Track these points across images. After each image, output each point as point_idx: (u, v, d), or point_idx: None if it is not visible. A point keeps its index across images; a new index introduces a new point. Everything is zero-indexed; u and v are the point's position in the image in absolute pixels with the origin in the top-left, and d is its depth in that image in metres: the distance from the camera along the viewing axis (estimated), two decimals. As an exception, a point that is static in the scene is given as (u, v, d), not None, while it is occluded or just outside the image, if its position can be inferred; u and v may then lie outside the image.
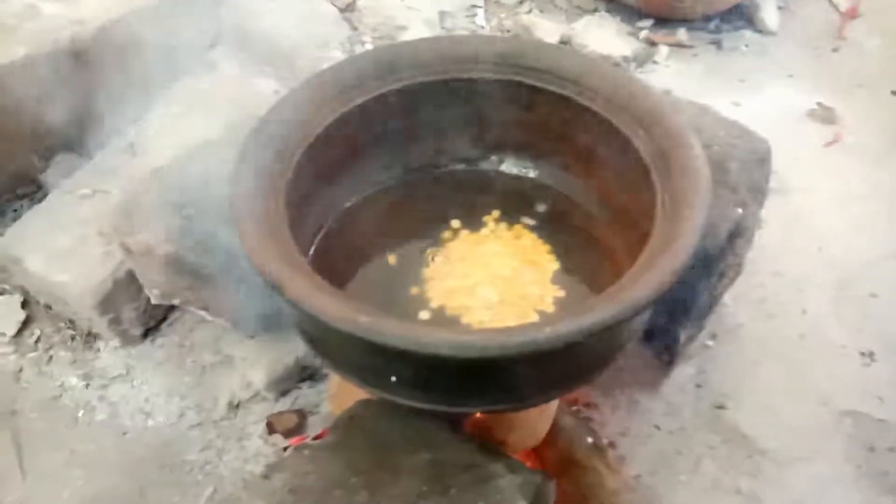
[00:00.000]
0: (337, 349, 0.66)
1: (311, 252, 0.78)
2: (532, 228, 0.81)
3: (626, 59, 1.47)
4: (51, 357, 1.03)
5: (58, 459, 0.94)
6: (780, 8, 1.59)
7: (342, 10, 1.46)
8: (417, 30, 1.44)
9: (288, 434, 0.93)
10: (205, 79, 1.18)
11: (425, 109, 0.83)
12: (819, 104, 1.38)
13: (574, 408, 0.93)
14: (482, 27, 1.54)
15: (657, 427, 0.94)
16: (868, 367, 1.00)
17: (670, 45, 1.53)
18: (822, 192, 1.23)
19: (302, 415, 0.95)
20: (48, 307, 1.05)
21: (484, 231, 0.81)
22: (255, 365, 0.95)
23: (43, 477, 0.93)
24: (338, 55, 1.28)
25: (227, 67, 1.22)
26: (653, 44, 1.53)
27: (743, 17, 1.58)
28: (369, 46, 1.40)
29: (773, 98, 1.41)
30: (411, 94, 0.81)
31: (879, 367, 1.00)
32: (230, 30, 1.27)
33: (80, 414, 0.98)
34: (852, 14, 1.59)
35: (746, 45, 1.54)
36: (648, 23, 1.56)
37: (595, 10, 1.58)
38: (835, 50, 1.53)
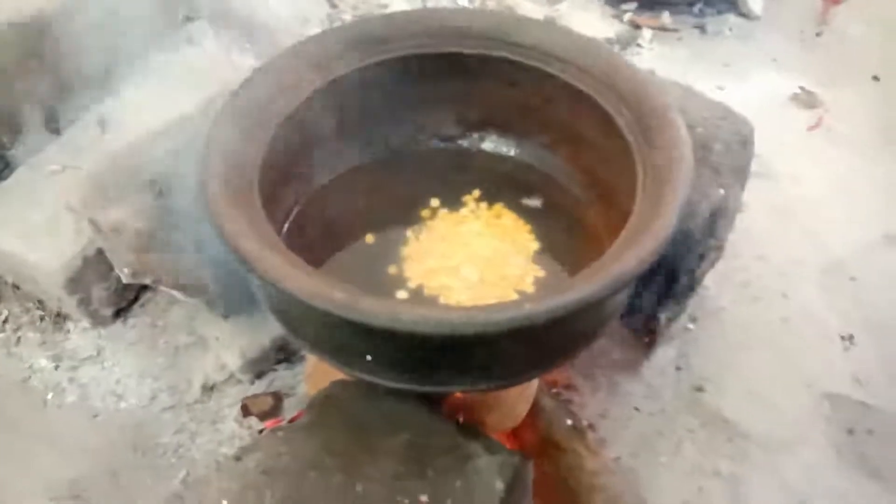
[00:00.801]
0: (311, 328, 0.65)
1: (286, 230, 0.76)
2: (512, 208, 0.80)
3: (609, 41, 1.46)
4: (19, 338, 1.01)
5: (27, 442, 0.92)
6: (764, -7, 1.59)
7: (323, -13, 1.44)
8: (398, 8, 1.42)
9: (263, 417, 0.92)
10: (181, 53, 1.15)
11: (406, 85, 0.81)
12: (802, 88, 1.38)
13: (554, 389, 0.92)
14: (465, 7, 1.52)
15: (637, 409, 0.93)
16: (848, 351, 1.00)
17: (654, 28, 1.52)
18: (806, 176, 1.23)
19: (278, 397, 0.93)
20: (16, 287, 1.02)
21: (464, 210, 0.80)
22: (229, 346, 0.93)
23: (12, 459, 0.91)
24: (318, 32, 1.26)
25: (204, 42, 1.19)
26: (637, 27, 1.52)
27: (727, 1, 1.57)
28: (350, 24, 1.37)
29: (756, 82, 1.41)
30: (392, 69, 0.80)
31: (859, 350, 1.00)
32: (209, 4, 1.24)
33: (50, 396, 0.96)
34: (835, 0, 1.59)
35: (731, 30, 1.54)
36: (632, 5, 1.55)
37: (579, -8, 1.56)
38: (818, 35, 1.53)
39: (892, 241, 1.13)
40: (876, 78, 1.42)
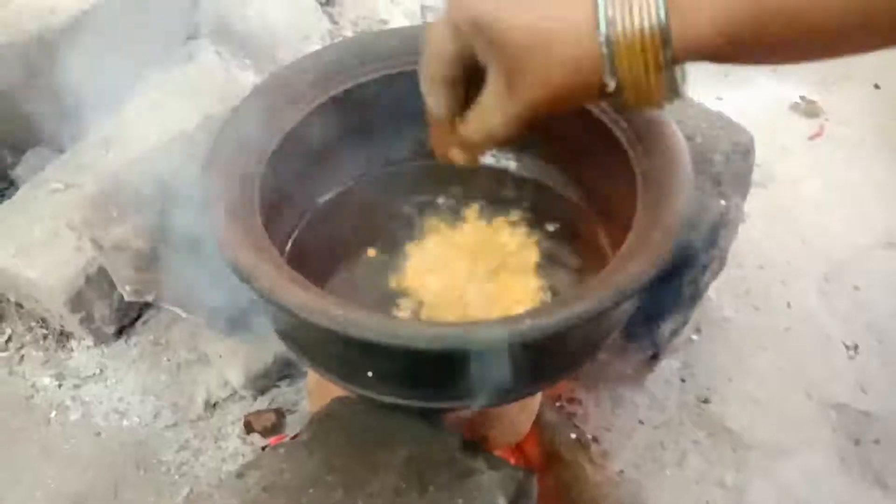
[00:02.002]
0: (311, 344, 0.64)
1: (289, 246, 0.76)
2: (512, 221, 0.80)
3: (608, 53, 1.46)
4: (22, 357, 1.01)
5: (30, 460, 0.92)
6: (763, 2, 1.59)
7: (323, 4, 1.45)
8: (399, 24, 1.43)
9: (266, 433, 0.92)
10: (183, 70, 1.15)
11: (405, 100, 0.81)
12: (802, 98, 1.38)
13: (557, 403, 0.92)
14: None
15: (641, 422, 0.93)
16: (853, 360, 0.99)
17: (653, 38, 1.52)
18: (807, 186, 1.23)
19: (280, 414, 0.93)
20: (19, 305, 1.02)
21: (464, 224, 0.80)
22: (232, 363, 0.93)
23: (15, 478, 0.91)
24: (318, 48, 1.27)
25: (206, 59, 1.20)
26: (636, 38, 1.52)
27: (726, 10, 1.58)
28: (350, 40, 1.38)
29: (756, 92, 1.41)
30: (391, 85, 0.80)
31: (864, 359, 0.99)
32: (210, 21, 1.24)
33: (53, 414, 0.96)
34: (835, 8, 1.59)
35: (730, 39, 1.54)
36: (632, 16, 1.55)
37: (578, 4, 1.56)
38: (818, 44, 1.53)
39: (895, 249, 1.12)
40: (877, 86, 1.42)
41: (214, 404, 0.95)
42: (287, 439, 0.87)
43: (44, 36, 1.01)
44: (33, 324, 1.03)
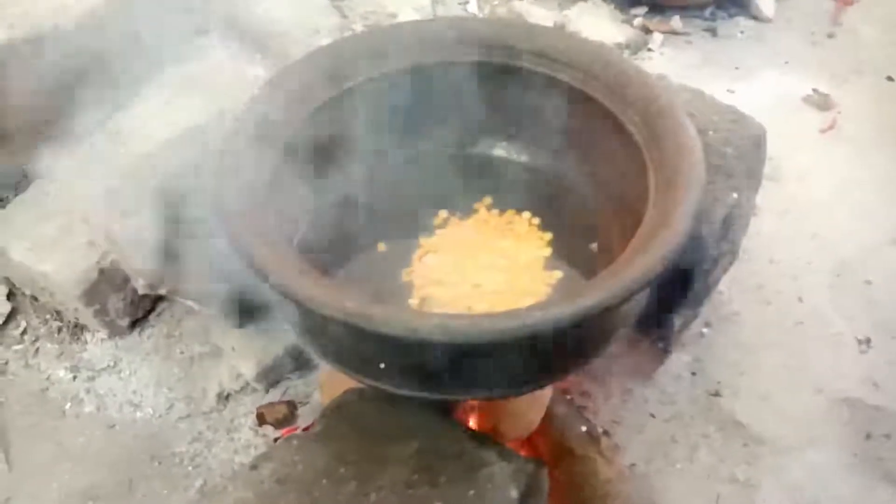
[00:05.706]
0: (324, 336, 0.65)
1: (299, 239, 0.76)
2: (524, 214, 0.80)
3: (620, 46, 1.46)
4: (37, 349, 1.02)
5: (45, 452, 0.93)
6: (775, -6, 1.58)
7: (333, -2, 1.45)
8: (408, 18, 1.43)
9: (278, 425, 0.92)
10: (194, 65, 1.16)
11: (416, 93, 0.82)
12: (814, 90, 1.37)
13: (568, 396, 0.92)
14: (475, 15, 1.53)
15: (652, 415, 0.93)
16: (864, 354, 0.99)
17: (665, 32, 1.52)
18: (818, 179, 1.22)
19: (292, 405, 0.94)
20: (34, 298, 1.03)
21: (475, 217, 0.80)
22: (244, 355, 0.94)
23: (30, 470, 0.92)
24: (328, 42, 1.27)
25: (216, 54, 1.20)
26: (647, 31, 1.52)
27: (738, 3, 1.57)
28: (360, 34, 1.38)
29: (768, 85, 1.40)
30: (402, 78, 0.80)
31: (875, 353, 0.99)
32: (220, 16, 1.25)
33: (68, 407, 0.97)
34: (847, 0, 1.58)
35: (742, 32, 1.53)
36: (642, 10, 1.55)
37: (588, -3, 1.56)
38: (830, 36, 1.52)
39: (906, 244, 1.12)
40: (890, 78, 1.41)
41: (227, 396, 0.96)
42: (299, 431, 0.88)
43: (57, 31, 1.02)
44: (48, 317, 1.04)
